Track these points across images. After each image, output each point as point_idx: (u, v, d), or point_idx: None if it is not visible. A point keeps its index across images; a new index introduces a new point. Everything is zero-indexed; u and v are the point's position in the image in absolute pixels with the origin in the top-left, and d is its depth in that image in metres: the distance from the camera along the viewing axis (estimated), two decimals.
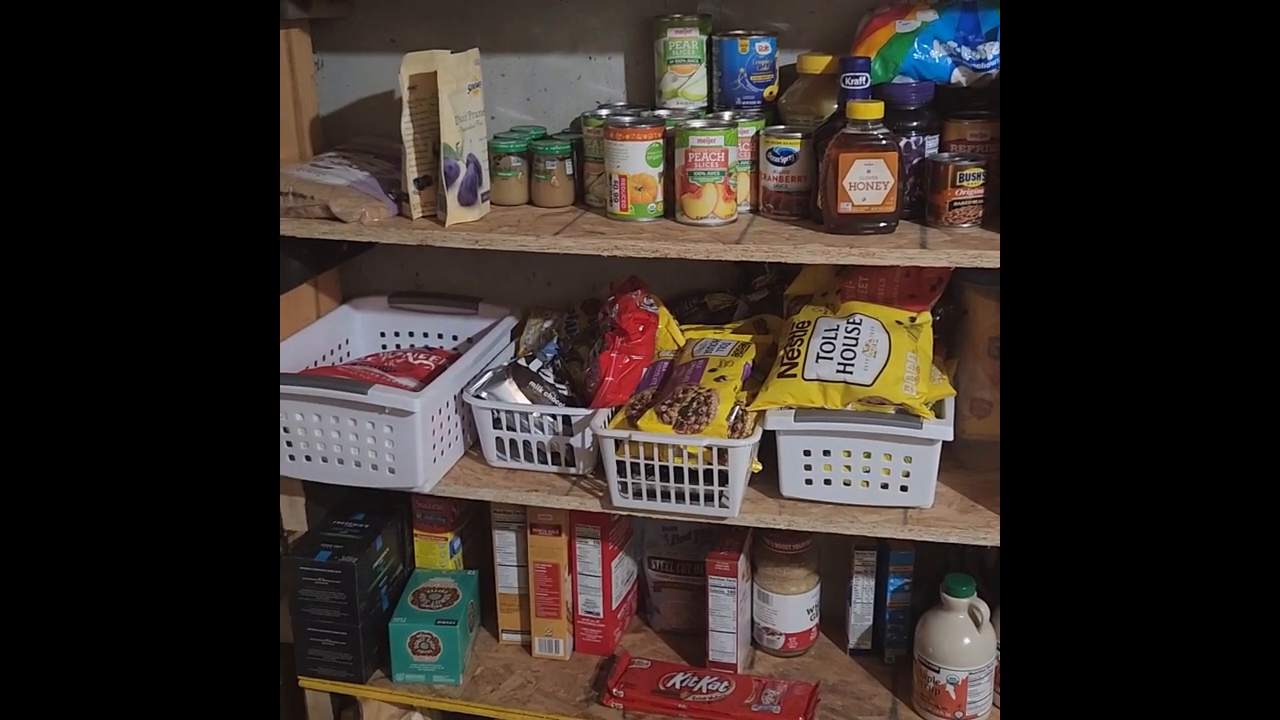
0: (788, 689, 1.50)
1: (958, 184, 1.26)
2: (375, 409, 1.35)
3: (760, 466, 1.34)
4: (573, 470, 1.43)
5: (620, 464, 1.33)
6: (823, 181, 1.26)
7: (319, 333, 1.60)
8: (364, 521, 1.59)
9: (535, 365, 1.49)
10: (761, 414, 1.32)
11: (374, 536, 1.56)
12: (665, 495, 1.33)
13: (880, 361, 1.29)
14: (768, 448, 1.33)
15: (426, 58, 1.31)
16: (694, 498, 1.33)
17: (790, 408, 1.30)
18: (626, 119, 1.35)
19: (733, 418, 1.31)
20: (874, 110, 1.23)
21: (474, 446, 1.50)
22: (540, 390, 1.44)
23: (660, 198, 1.34)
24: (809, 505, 1.35)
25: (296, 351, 1.52)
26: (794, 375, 1.31)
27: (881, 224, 1.25)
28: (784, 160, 1.32)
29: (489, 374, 1.46)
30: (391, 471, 1.38)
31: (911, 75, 1.30)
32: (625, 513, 1.38)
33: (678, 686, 1.51)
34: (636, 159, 1.31)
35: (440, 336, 1.68)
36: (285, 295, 1.48)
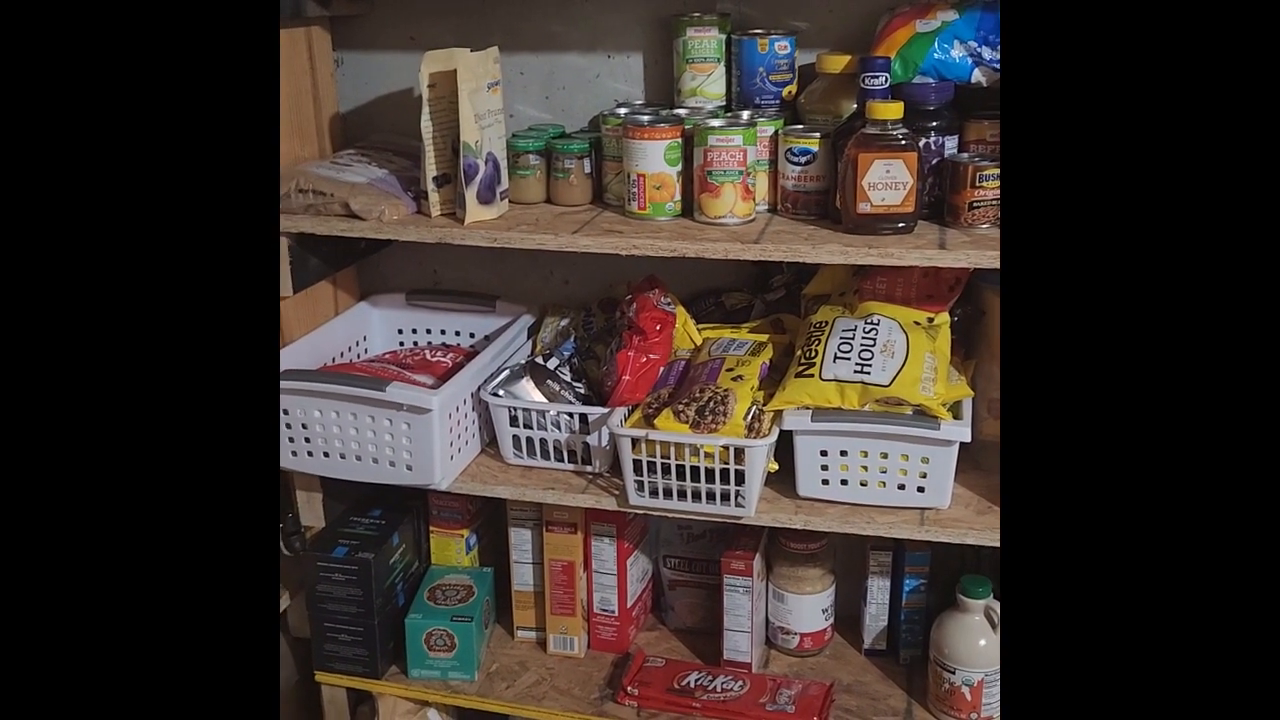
0: (802, 689, 1.50)
1: (977, 184, 1.25)
2: (393, 406, 1.35)
3: (777, 466, 1.34)
4: (589, 468, 1.44)
5: (637, 462, 1.33)
6: (841, 181, 1.26)
7: (337, 329, 1.60)
8: (381, 518, 1.59)
9: (552, 363, 1.49)
10: (778, 414, 1.32)
11: (390, 533, 1.56)
12: (681, 494, 1.34)
13: (898, 362, 1.29)
14: (784, 447, 1.33)
15: (446, 56, 1.32)
16: (710, 497, 1.33)
17: (807, 408, 1.30)
18: (645, 118, 1.35)
19: (749, 417, 1.31)
20: (893, 110, 1.22)
21: (490, 444, 1.50)
22: (557, 388, 1.45)
23: (678, 197, 1.34)
24: (825, 505, 1.35)
25: (314, 348, 1.53)
26: (811, 375, 1.31)
27: (900, 224, 1.25)
28: (802, 160, 1.32)
29: (506, 372, 1.47)
30: (409, 468, 1.39)
31: (931, 75, 1.29)
32: (641, 511, 1.38)
33: (692, 685, 1.51)
34: (655, 158, 1.31)
35: (457, 334, 1.68)
36: (304, 292, 1.49)
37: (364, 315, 1.67)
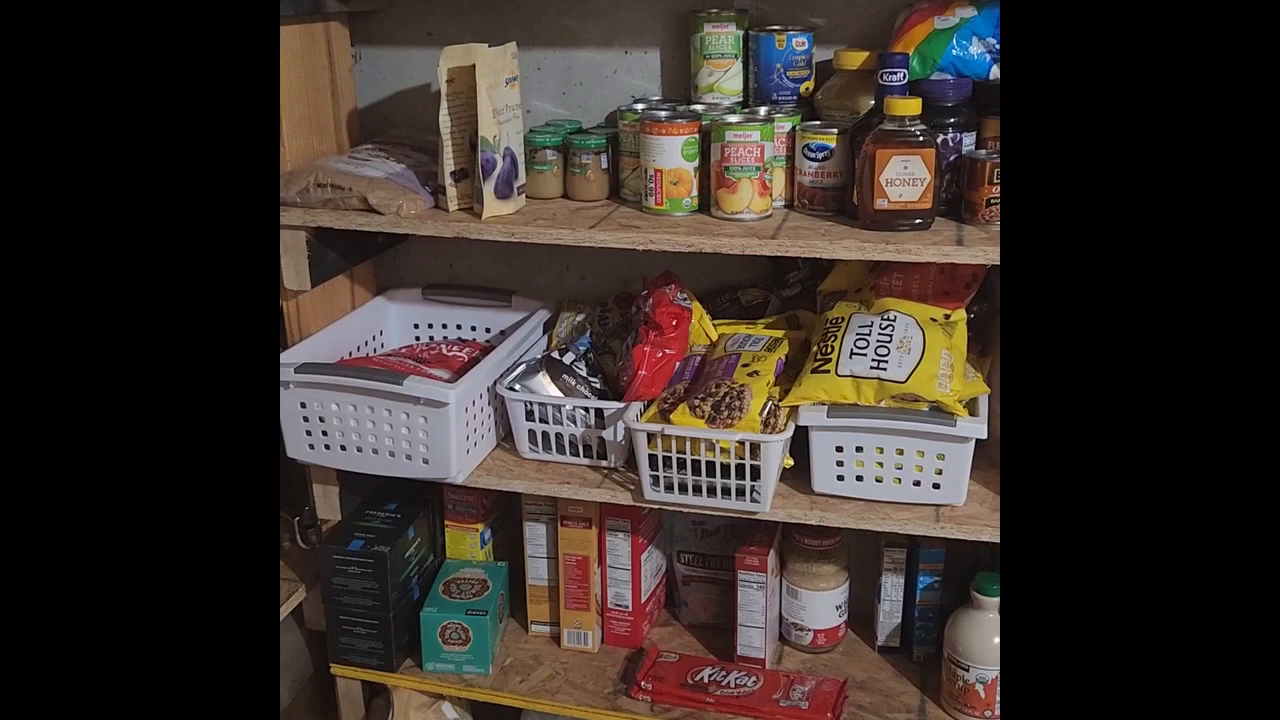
0: (816, 685, 1.50)
1: (994, 181, 1.25)
2: (410, 400, 1.36)
3: (792, 462, 1.34)
4: (604, 463, 1.44)
5: (652, 457, 1.33)
6: (859, 177, 1.26)
7: (354, 324, 1.61)
8: (396, 511, 1.60)
9: (568, 358, 1.49)
10: (794, 409, 1.32)
11: (406, 526, 1.57)
12: (697, 489, 1.34)
13: (914, 358, 1.29)
14: (799, 443, 1.33)
15: (465, 51, 1.32)
16: (725, 492, 1.33)
17: (823, 404, 1.30)
18: (663, 113, 1.35)
19: (765, 413, 1.31)
20: (911, 106, 1.22)
21: (506, 438, 1.51)
22: (573, 383, 1.45)
23: (695, 192, 1.34)
24: (840, 501, 1.35)
25: (331, 342, 1.53)
26: (828, 371, 1.31)
27: (917, 220, 1.24)
28: (820, 156, 1.32)
29: (522, 366, 1.47)
30: (425, 462, 1.40)
31: (949, 71, 1.29)
32: (657, 506, 1.38)
33: (706, 680, 1.51)
34: (672, 153, 1.31)
35: (473, 329, 1.69)
36: (321, 287, 1.50)
37: (380, 310, 1.68)
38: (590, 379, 1.47)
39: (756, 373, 1.34)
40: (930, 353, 1.29)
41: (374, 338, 1.66)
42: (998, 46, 1.28)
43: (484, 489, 1.51)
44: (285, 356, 1.44)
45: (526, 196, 1.43)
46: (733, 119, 1.31)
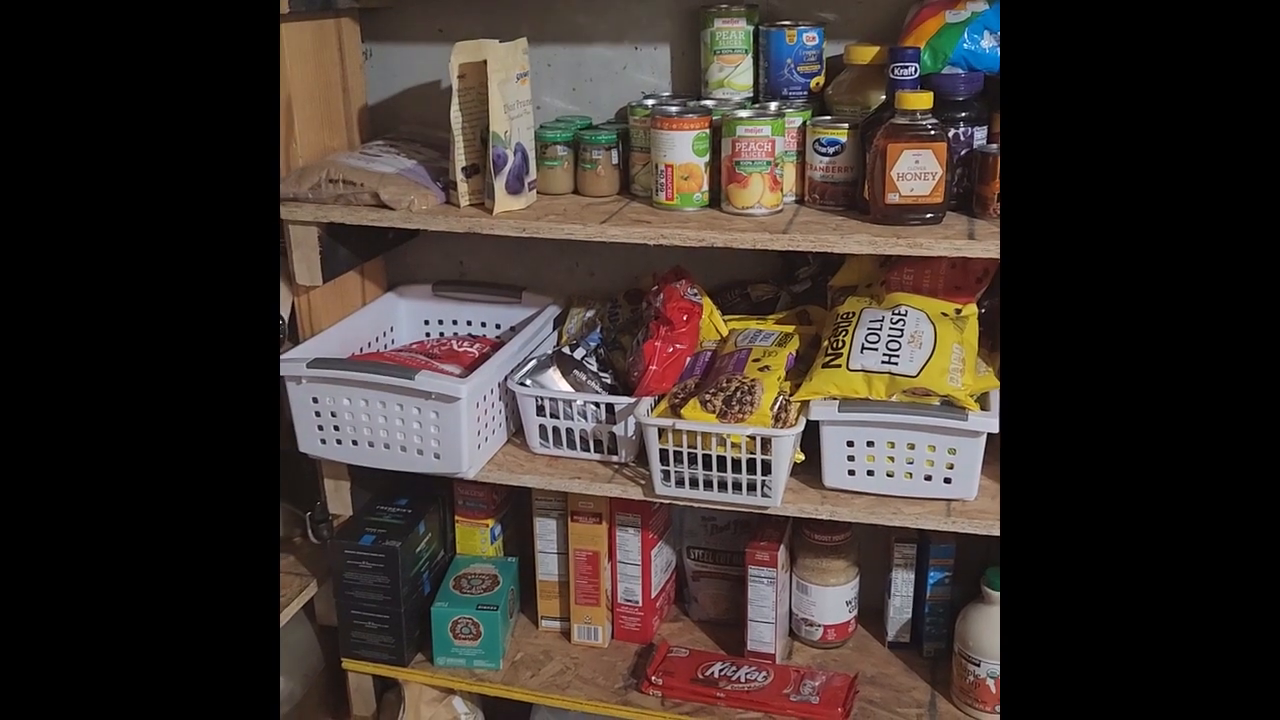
0: (826, 680, 1.50)
1: None
2: (422, 394, 1.36)
3: (803, 457, 1.35)
4: (615, 458, 1.44)
5: (663, 452, 1.34)
6: (870, 172, 1.26)
7: (364, 320, 1.61)
8: (407, 507, 1.60)
9: (579, 353, 1.50)
10: (805, 404, 1.32)
11: (417, 521, 1.57)
12: (708, 484, 1.34)
13: (925, 353, 1.29)
14: (810, 438, 1.33)
15: (476, 47, 1.32)
16: (736, 487, 1.33)
17: (834, 398, 1.30)
18: (673, 108, 1.35)
19: (776, 407, 1.31)
20: (923, 100, 1.22)
21: (517, 434, 1.51)
22: (583, 378, 1.45)
23: (706, 187, 1.34)
24: (851, 496, 1.35)
25: (342, 338, 1.54)
26: (839, 365, 1.31)
27: (929, 215, 1.24)
28: (831, 151, 1.32)
29: (533, 362, 1.48)
30: (437, 457, 1.40)
31: (961, 66, 1.29)
32: (667, 501, 1.38)
33: (716, 675, 1.52)
34: (683, 148, 1.31)
35: (483, 325, 1.69)
36: (333, 283, 1.50)
37: (391, 306, 1.69)
38: (601, 374, 1.48)
39: (767, 368, 1.34)
40: (941, 347, 1.29)
41: (385, 333, 1.66)
42: None
43: (494, 484, 1.51)
44: (297, 352, 1.44)
45: (537, 192, 1.43)
46: (744, 114, 1.31)
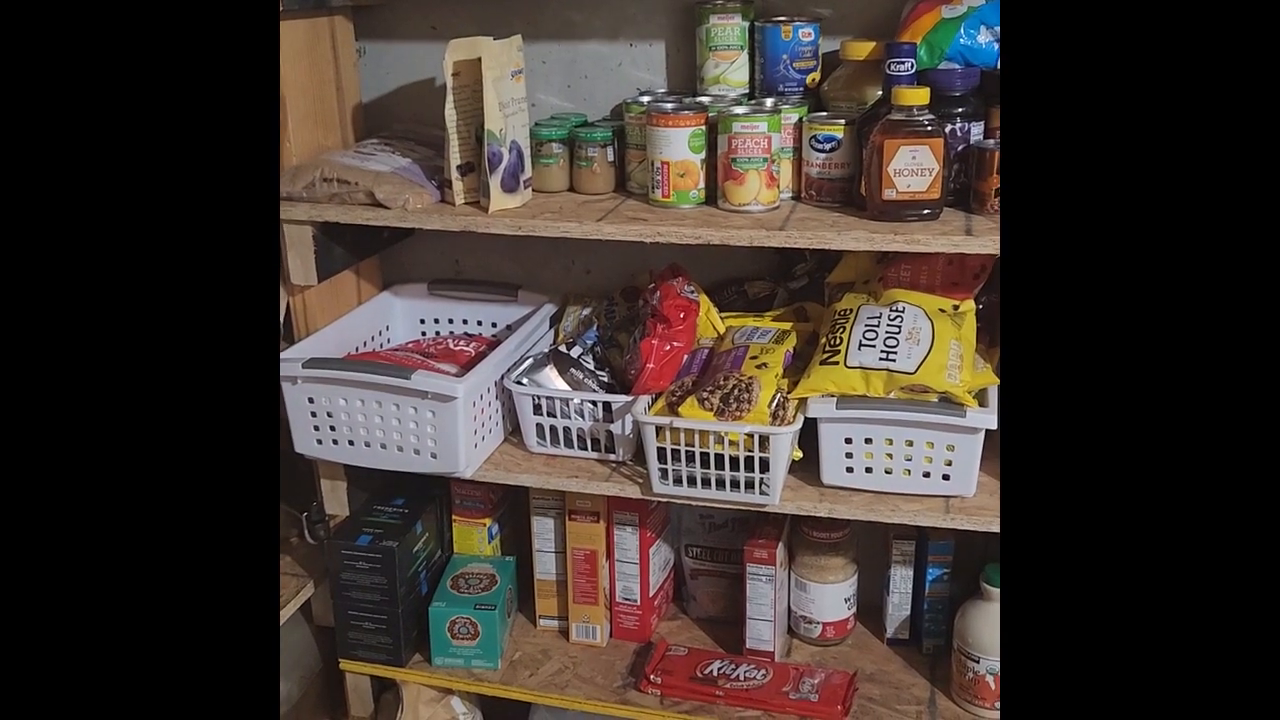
0: (825, 678, 1.50)
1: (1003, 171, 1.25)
2: (418, 394, 1.35)
3: (801, 454, 1.34)
4: (613, 457, 1.44)
5: (661, 450, 1.33)
6: (867, 168, 1.25)
7: (360, 319, 1.61)
8: (404, 507, 1.60)
9: (575, 352, 1.49)
10: (803, 401, 1.31)
11: (414, 521, 1.57)
12: (706, 482, 1.34)
13: (923, 349, 1.28)
14: (808, 435, 1.33)
15: (471, 44, 1.32)
16: (735, 485, 1.33)
17: (832, 395, 1.30)
18: (669, 105, 1.34)
19: (774, 405, 1.30)
20: (919, 96, 1.22)
21: (514, 432, 1.51)
22: (580, 376, 1.45)
23: (703, 184, 1.34)
24: (850, 493, 1.34)
25: (338, 337, 1.53)
26: (836, 363, 1.30)
27: (926, 211, 1.24)
28: (827, 147, 1.31)
29: (529, 360, 1.47)
30: (434, 456, 1.39)
31: (957, 61, 1.29)
32: (665, 499, 1.38)
33: (715, 674, 1.51)
34: (679, 145, 1.31)
35: (479, 324, 1.69)
36: (328, 282, 1.50)
37: (386, 305, 1.68)
38: (598, 372, 1.47)
39: (765, 365, 1.34)
40: (939, 343, 1.29)
41: (380, 333, 1.66)
42: None
43: (492, 483, 1.51)
44: (292, 352, 1.44)
45: (533, 190, 1.42)
46: (739, 110, 1.30)
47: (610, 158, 1.42)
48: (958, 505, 1.31)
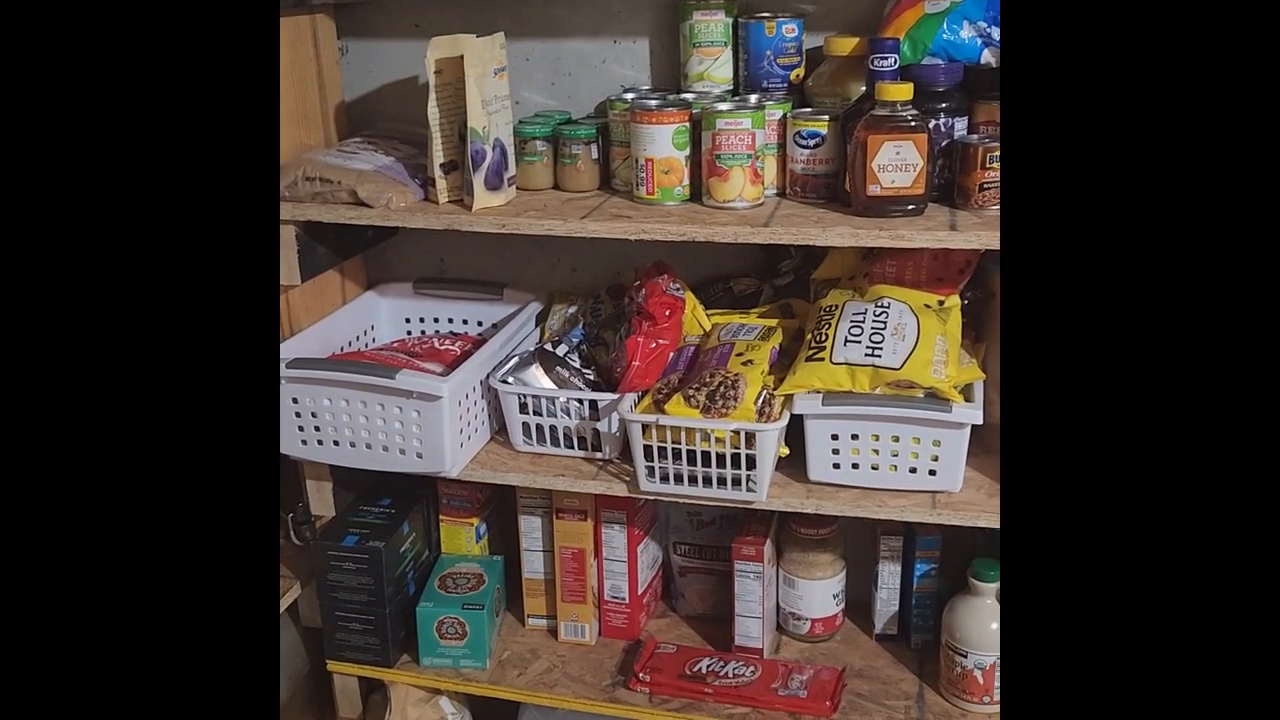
0: (814, 674, 1.50)
1: (987, 166, 1.25)
2: (403, 393, 1.35)
3: (788, 451, 1.34)
4: (599, 455, 1.43)
5: (647, 448, 1.33)
6: (851, 164, 1.25)
7: (344, 319, 1.60)
8: (390, 507, 1.59)
9: (561, 350, 1.49)
10: (789, 398, 1.31)
11: (401, 521, 1.56)
12: (693, 479, 1.33)
13: (909, 345, 1.28)
14: (795, 432, 1.33)
15: (453, 42, 1.31)
16: (721, 482, 1.32)
17: (818, 391, 1.30)
18: (653, 102, 1.34)
19: (760, 401, 1.30)
20: (903, 91, 1.22)
21: (500, 431, 1.50)
22: (566, 375, 1.45)
23: (687, 181, 1.33)
24: (837, 489, 1.34)
25: (322, 337, 1.53)
26: (822, 359, 1.30)
27: (910, 206, 1.24)
28: (811, 143, 1.31)
29: (515, 359, 1.46)
30: (419, 456, 1.39)
31: (940, 56, 1.29)
32: (652, 497, 1.38)
33: (704, 671, 1.51)
34: (663, 142, 1.31)
35: (465, 322, 1.68)
36: (311, 282, 1.49)
37: (371, 304, 1.67)
38: (584, 370, 1.47)
39: (751, 362, 1.34)
40: (925, 339, 1.29)
41: (365, 332, 1.65)
42: (989, 30, 1.27)
43: (478, 483, 1.50)
44: None
45: (517, 188, 1.42)
46: (723, 107, 1.30)
47: (595, 155, 1.42)
48: (944, 500, 1.31)
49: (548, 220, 1.31)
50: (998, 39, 1.27)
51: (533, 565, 1.63)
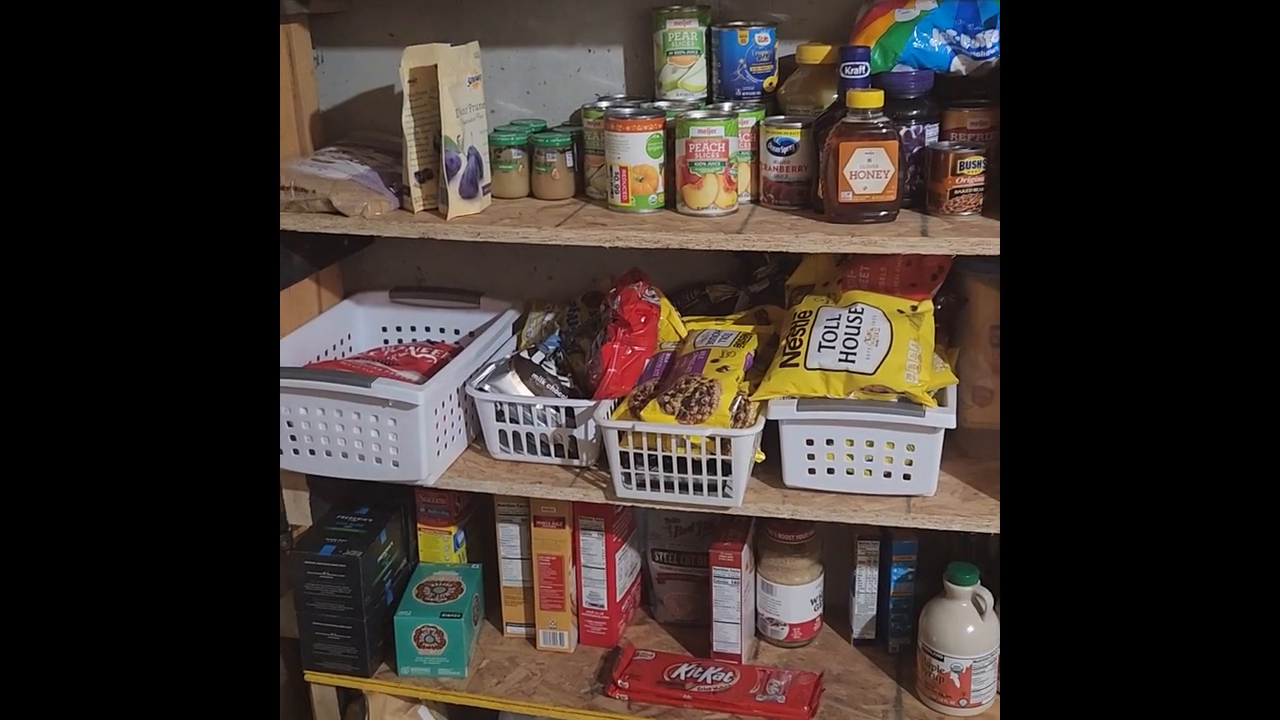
0: (792, 679, 1.50)
1: (958, 172, 1.26)
2: (379, 402, 1.35)
3: (764, 456, 1.35)
4: (576, 462, 1.44)
5: (624, 455, 1.33)
6: (823, 171, 1.26)
7: (321, 328, 1.60)
8: (368, 515, 1.59)
9: (538, 358, 1.49)
10: (764, 404, 1.32)
11: (378, 530, 1.56)
12: (669, 486, 1.34)
13: (882, 350, 1.29)
14: (771, 437, 1.34)
15: (426, 51, 1.31)
16: (697, 488, 1.33)
17: (793, 397, 1.31)
18: (627, 110, 1.35)
19: (735, 407, 1.31)
20: (874, 99, 1.23)
21: (477, 439, 1.50)
22: (543, 382, 1.45)
23: (661, 189, 1.34)
24: (812, 495, 1.35)
25: (299, 346, 1.52)
26: (796, 365, 1.31)
27: (882, 212, 1.25)
28: (784, 150, 1.32)
29: (491, 367, 1.47)
30: (395, 465, 1.39)
31: (911, 64, 1.30)
32: (629, 504, 1.38)
33: (682, 678, 1.51)
34: (637, 150, 1.31)
35: (442, 331, 1.68)
36: (287, 290, 1.49)
37: (348, 313, 1.67)
38: (560, 378, 1.47)
39: (726, 368, 1.34)
40: (898, 344, 1.30)
41: (342, 341, 1.65)
42: (958, 39, 1.29)
43: (456, 491, 1.50)
44: None
45: (492, 196, 1.42)
46: (697, 115, 1.31)
47: (569, 163, 1.42)
48: (919, 505, 1.32)
49: (522, 228, 1.31)
50: (967, 47, 1.28)
51: (511, 573, 1.63)
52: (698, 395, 1.30)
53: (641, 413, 1.32)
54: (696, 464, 1.31)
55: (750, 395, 1.33)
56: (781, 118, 1.36)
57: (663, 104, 1.41)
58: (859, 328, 1.32)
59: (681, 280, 1.59)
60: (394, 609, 1.57)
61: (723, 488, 1.32)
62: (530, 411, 1.42)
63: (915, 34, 1.29)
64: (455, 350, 1.56)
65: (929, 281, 1.39)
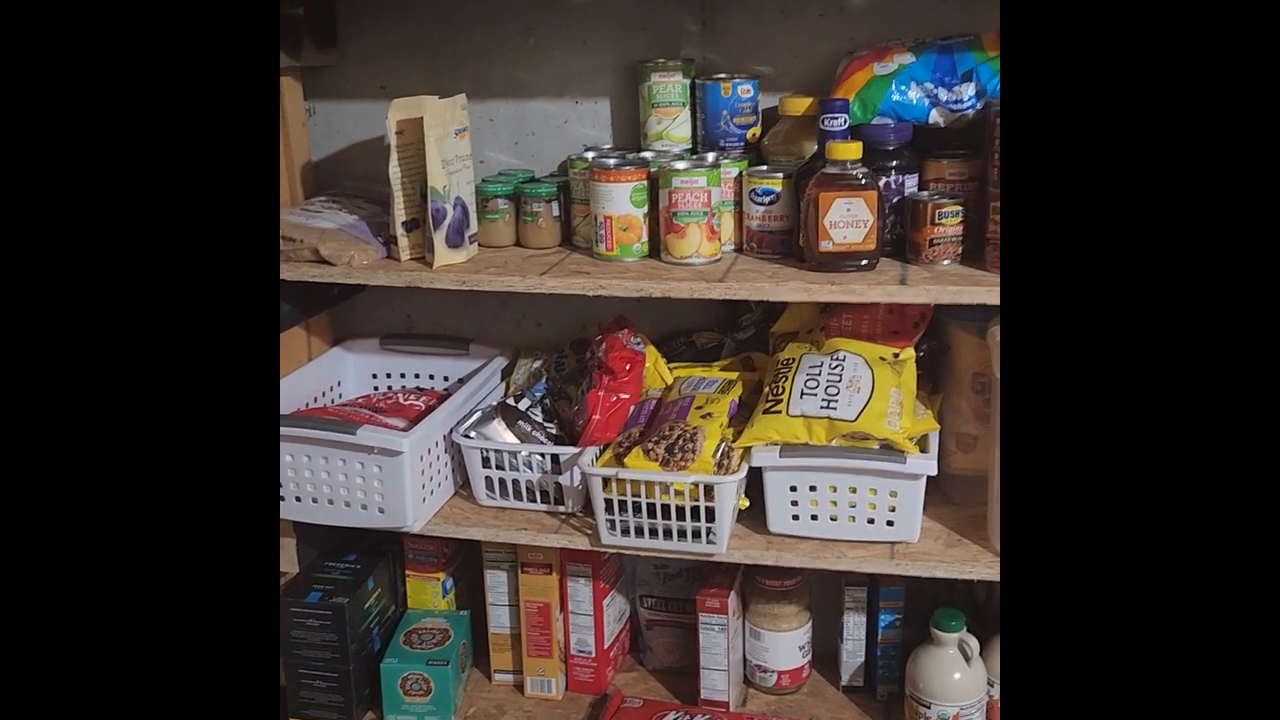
0: None
1: (937, 221, 1.27)
2: (364, 449, 1.36)
3: (748, 503, 1.35)
4: (561, 508, 1.44)
5: (608, 501, 1.34)
6: (804, 220, 1.28)
7: (311, 375, 1.61)
8: (355, 562, 1.59)
9: (524, 404, 1.50)
10: (747, 450, 1.33)
11: (365, 577, 1.56)
12: (653, 532, 1.34)
13: (864, 397, 1.30)
14: (755, 484, 1.34)
15: (414, 103, 1.34)
16: (681, 534, 1.33)
17: (775, 444, 1.31)
18: (611, 161, 1.37)
19: (719, 454, 1.31)
20: (853, 150, 1.25)
21: (464, 486, 1.51)
22: (529, 429, 1.46)
23: (645, 238, 1.36)
24: (796, 541, 1.35)
25: (289, 393, 1.53)
26: (779, 411, 1.32)
27: (862, 261, 1.26)
28: (766, 200, 1.34)
29: (478, 413, 1.48)
30: (381, 511, 1.39)
31: (890, 116, 1.32)
32: (614, 550, 1.38)
33: None
34: (621, 200, 1.33)
35: (431, 377, 1.69)
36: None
37: (338, 360, 1.68)
38: (545, 424, 1.48)
39: (710, 414, 1.35)
40: (879, 391, 1.31)
41: (332, 388, 1.66)
42: (935, 91, 1.31)
43: (443, 538, 1.50)
44: None
45: (479, 245, 1.44)
46: (680, 165, 1.33)
47: (556, 213, 1.44)
48: (902, 551, 1.32)
49: (507, 276, 1.33)
50: (944, 99, 1.31)
51: (499, 620, 1.62)
52: (681, 442, 1.31)
53: (625, 459, 1.33)
54: (680, 510, 1.31)
55: (734, 442, 1.34)
56: (764, 168, 1.38)
57: (648, 154, 1.43)
58: (841, 375, 1.33)
59: (669, 328, 1.61)
60: (381, 656, 1.56)
61: (706, 534, 1.32)
62: (516, 458, 1.43)
63: (894, 87, 1.31)
64: (443, 397, 1.57)
65: (911, 329, 1.40)
